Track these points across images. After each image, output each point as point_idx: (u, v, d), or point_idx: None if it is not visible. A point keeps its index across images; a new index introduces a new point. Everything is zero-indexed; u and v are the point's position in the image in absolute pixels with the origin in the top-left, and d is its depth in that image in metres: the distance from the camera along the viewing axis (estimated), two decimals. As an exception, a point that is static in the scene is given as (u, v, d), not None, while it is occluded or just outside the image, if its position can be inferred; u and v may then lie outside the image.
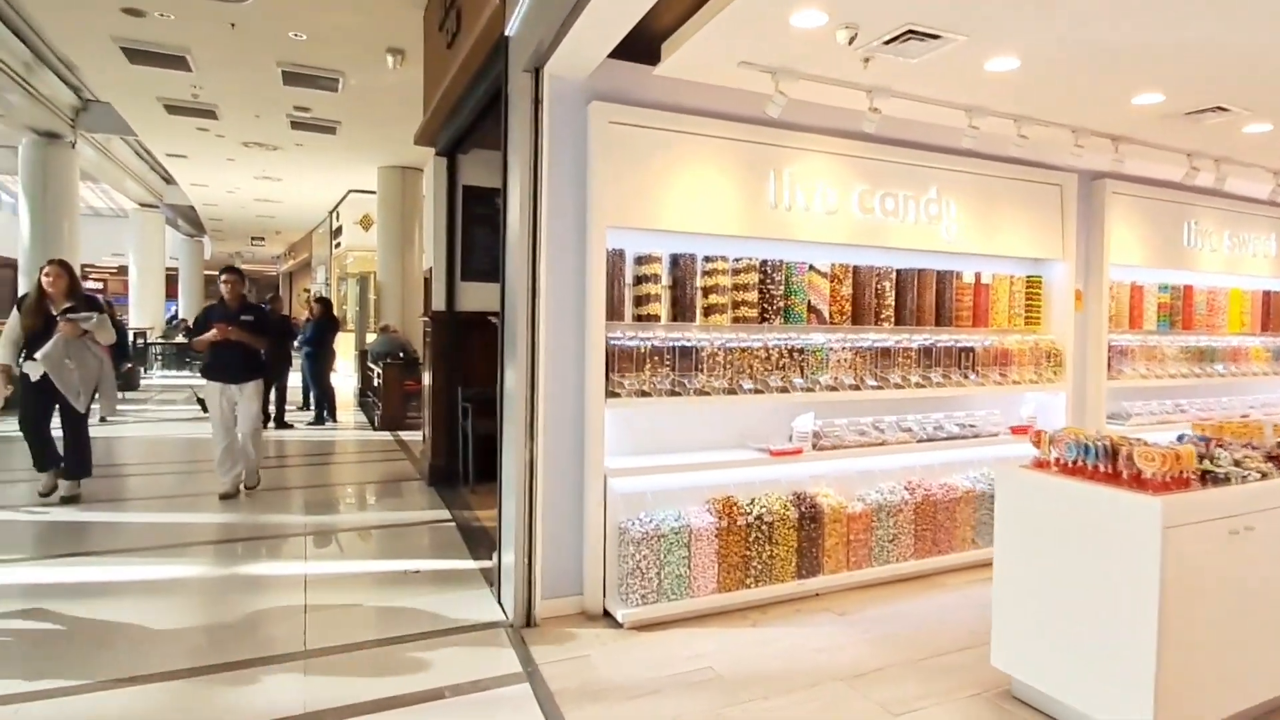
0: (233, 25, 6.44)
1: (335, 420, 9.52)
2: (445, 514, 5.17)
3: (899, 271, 4.31)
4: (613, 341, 3.40)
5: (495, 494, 3.64)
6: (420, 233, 12.14)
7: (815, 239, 3.98)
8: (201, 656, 2.97)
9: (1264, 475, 2.59)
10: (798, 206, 3.90)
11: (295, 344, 9.73)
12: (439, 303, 6.02)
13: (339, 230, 15.65)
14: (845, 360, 4.01)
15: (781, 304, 3.93)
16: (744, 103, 3.71)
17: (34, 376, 4.92)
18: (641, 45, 3.33)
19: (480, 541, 4.54)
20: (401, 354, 10.03)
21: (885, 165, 4.16)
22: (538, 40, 3.11)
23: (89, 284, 29.64)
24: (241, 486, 5.60)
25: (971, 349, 4.37)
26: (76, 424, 5.20)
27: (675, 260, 3.70)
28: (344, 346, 14.19)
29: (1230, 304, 5.68)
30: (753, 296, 3.82)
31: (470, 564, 4.14)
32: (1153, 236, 5.19)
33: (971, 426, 4.33)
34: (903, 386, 4.11)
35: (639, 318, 3.59)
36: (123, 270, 20.77)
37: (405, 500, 5.76)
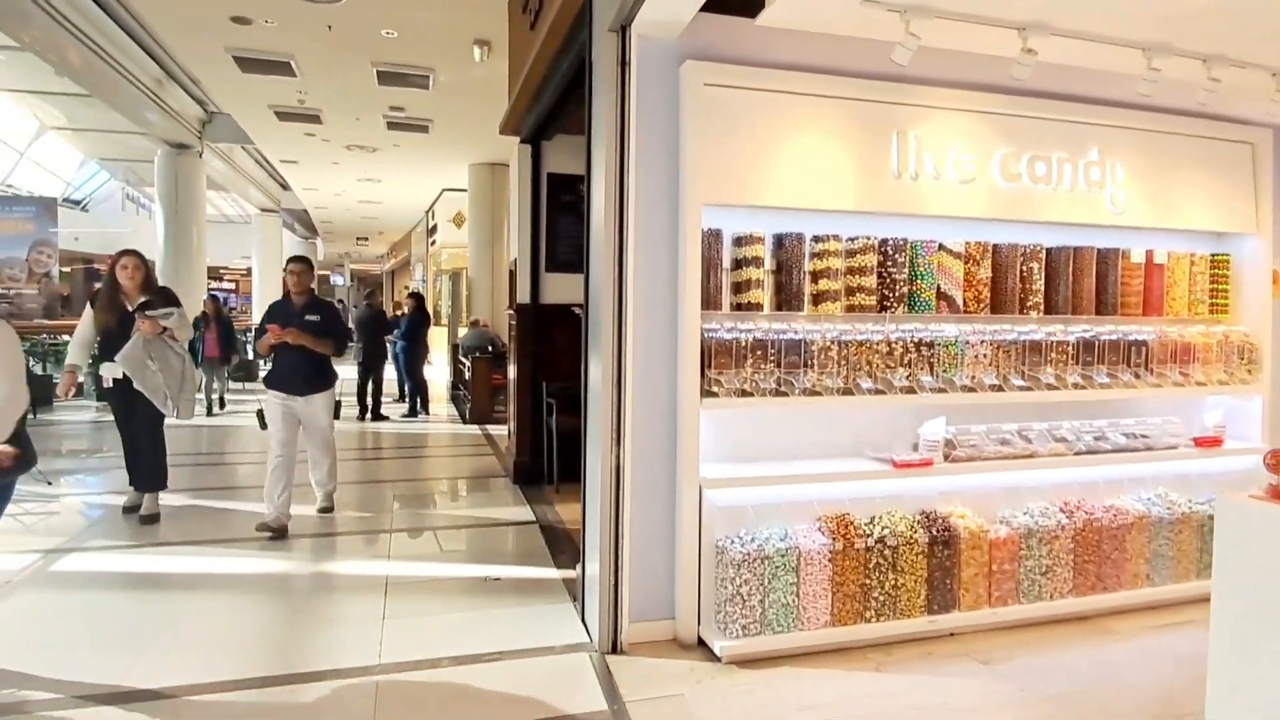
0: (329, 27, 6.49)
1: (428, 413, 9.58)
2: (529, 514, 4.91)
3: (1049, 250, 3.64)
4: (709, 334, 2.96)
5: (578, 494, 3.30)
6: (509, 228, 12.14)
7: (946, 213, 3.39)
8: (272, 663, 2.80)
9: None
10: (925, 175, 3.32)
11: (390, 338, 9.88)
12: (523, 295, 5.78)
13: (434, 228, 15.99)
14: (984, 356, 3.40)
15: (905, 290, 3.36)
16: (861, 54, 3.18)
17: (109, 380, 4.46)
18: (741, -8, 2.88)
19: (564, 547, 4.23)
20: (491, 347, 10.00)
21: (1034, 123, 3.51)
22: (623, -8, 2.72)
23: (223, 285, 32.16)
24: (319, 509, 4.86)
25: (1143, 343, 3.64)
26: (152, 428, 4.65)
27: (779, 241, 3.22)
28: (437, 340, 14.48)
29: None
30: (870, 281, 3.28)
31: (553, 573, 3.83)
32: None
33: (1143, 437, 3.60)
34: (1057, 387, 3.45)
35: (738, 307, 3.14)
36: (250, 272, 22.15)
37: (490, 498, 5.56)
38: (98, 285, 4.98)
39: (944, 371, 3.31)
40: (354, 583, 3.63)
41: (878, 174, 3.26)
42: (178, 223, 11.14)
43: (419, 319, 9.81)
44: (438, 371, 13.67)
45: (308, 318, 4.53)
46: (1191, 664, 2.64)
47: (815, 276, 3.23)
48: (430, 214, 16.37)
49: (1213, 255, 3.94)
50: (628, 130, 2.91)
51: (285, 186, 16.15)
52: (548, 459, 5.63)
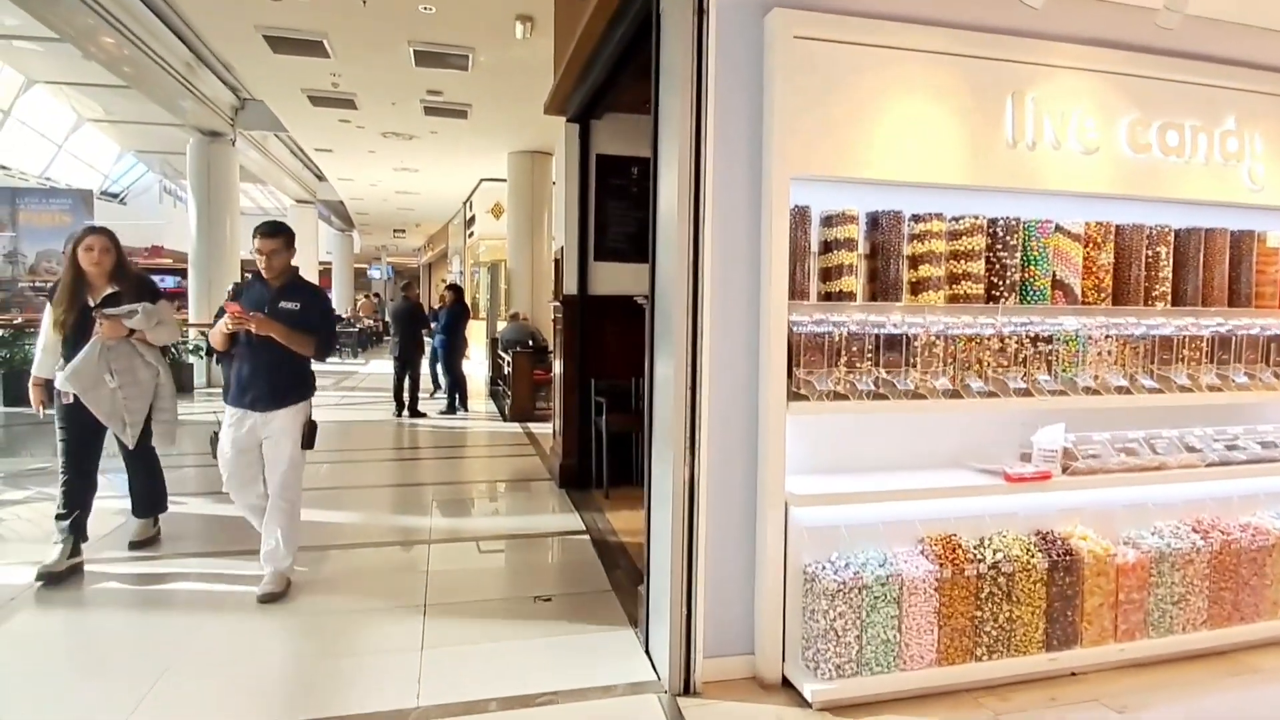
0: (364, 2, 6.20)
1: (466, 410, 9.32)
2: (577, 522, 4.57)
3: (1177, 233, 3.16)
4: (796, 327, 2.57)
5: (631, 501, 2.97)
6: (549, 218, 11.84)
7: (1067, 189, 2.94)
8: (296, 704, 2.48)
9: None
10: (1044, 144, 2.88)
11: (426, 331, 9.63)
12: (570, 286, 5.43)
13: (472, 219, 15.78)
14: (1109, 352, 2.95)
15: (1016, 276, 2.92)
16: (973, 3, 2.75)
17: (68, 395, 3.48)
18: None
19: (618, 561, 3.87)
20: (531, 342, 9.71)
21: (1166, 86, 3.03)
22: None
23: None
24: (260, 594, 3.31)
25: (1292, 338, 3.14)
26: (137, 457, 3.79)
27: (874, 221, 2.81)
28: (476, 334, 14.28)
29: None
30: (977, 267, 2.85)
31: (608, 591, 3.47)
32: None
33: (1289, 446, 3.11)
34: (1191, 389, 2.99)
35: (827, 296, 2.74)
36: (285, 264, 22.21)
37: (534, 504, 5.24)
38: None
39: (1063, 371, 2.87)
40: (390, 601, 3.30)
41: (989, 143, 2.82)
42: (210, 213, 11.01)
43: (458, 312, 9.54)
44: (476, 366, 13.47)
45: (283, 304, 3.35)
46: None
47: (914, 261, 2.81)
48: (468, 205, 16.17)
49: (1369, 237, 3.40)
50: (704, 92, 2.52)
51: (320, 177, 16.09)
52: (597, 462, 5.29)
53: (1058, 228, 2.97)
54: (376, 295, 23.86)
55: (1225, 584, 2.98)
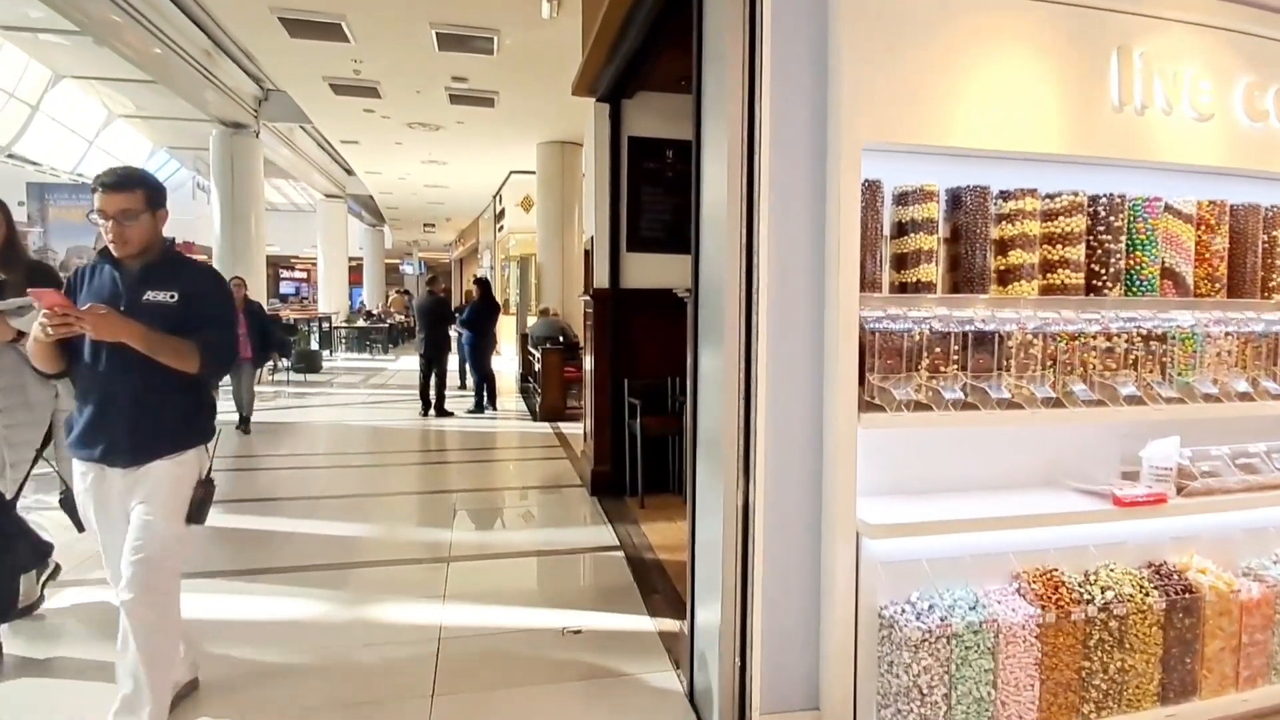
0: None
1: (495, 408, 9.06)
2: (610, 537, 4.23)
3: (1298, 212, 2.70)
4: (869, 325, 2.18)
5: (668, 510, 2.64)
6: (580, 210, 11.53)
7: (1179, 161, 2.50)
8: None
9: None
10: (1155, 108, 2.44)
11: (453, 328, 9.38)
12: (601, 279, 5.09)
13: (501, 213, 15.55)
14: (1228, 352, 2.51)
15: (1121, 264, 2.49)
16: (1076, -60, 2.32)
17: None
18: None
19: (655, 584, 3.53)
20: (561, 338, 9.41)
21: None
22: None
23: (294, 275, 32.74)
24: None
25: None
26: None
27: (956, 198, 2.40)
28: (505, 330, 14.05)
29: None
30: (1076, 253, 2.43)
31: (646, 622, 3.13)
32: None
33: None
34: (1331, 395, 2.53)
35: (901, 287, 2.35)
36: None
37: (564, 514, 4.92)
38: None
39: (1179, 374, 2.44)
40: (401, 635, 2.98)
41: (1091, 106, 2.39)
42: (235, 207, 10.89)
43: (485, 307, 9.26)
44: (506, 363, 13.24)
45: (150, 294, 2.18)
46: None
47: (1003, 245, 2.40)
48: (497, 198, 15.95)
49: None
50: (759, 49, 2.14)
51: (349, 171, 16.00)
52: (631, 468, 4.95)
53: (1167, 207, 2.54)
54: (407, 292, 23.84)
55: (1370, 624, 2.52)
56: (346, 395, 10.70)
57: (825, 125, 2.24)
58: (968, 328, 2.25)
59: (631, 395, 4.93)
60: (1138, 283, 2.51)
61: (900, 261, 2.36)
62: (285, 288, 31.19)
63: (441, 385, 8.65)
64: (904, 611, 2.15)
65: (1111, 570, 2.35)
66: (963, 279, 2.39)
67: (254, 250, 11.12)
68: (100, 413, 2.17)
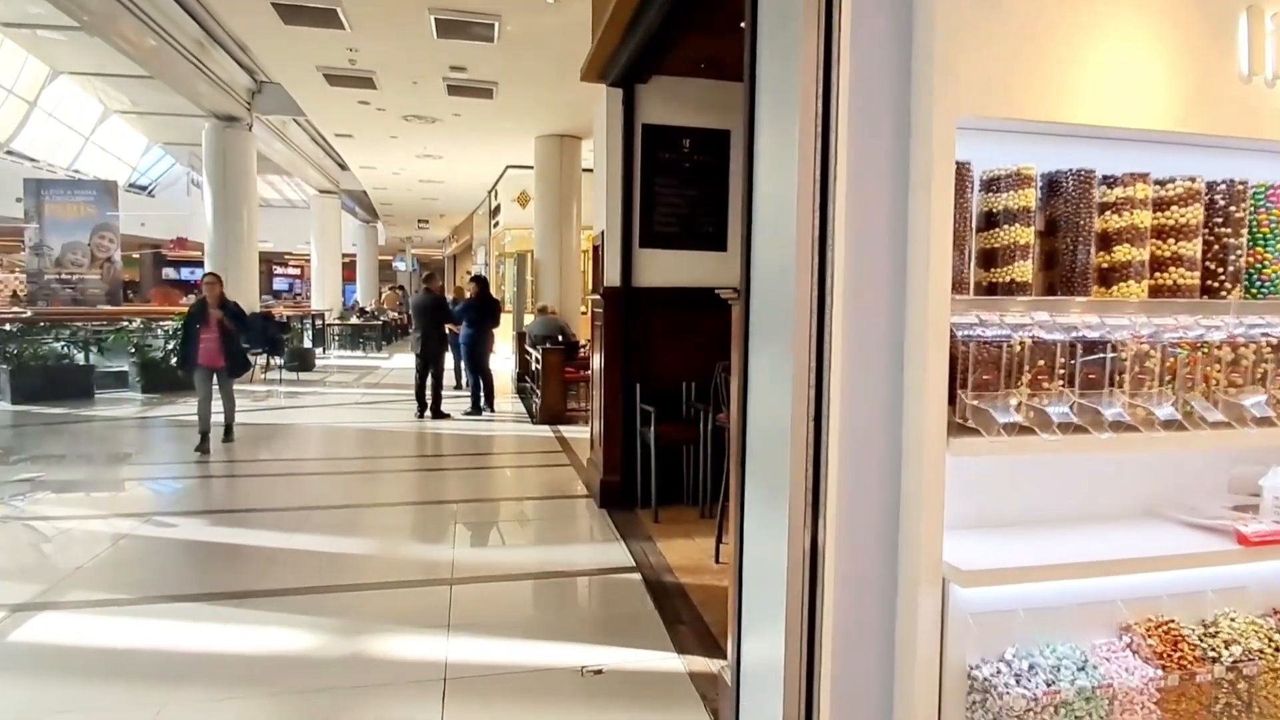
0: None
1: (492, 410, 8.69)
2: (624, 556, 3.88)
3: None
4: (961, 333, 1.83)
5: (685, 525, 2.35)
6: (579, 206, 11.17)
7: (1303, 140, 2.15)
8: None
9: None
10: (1283, 79, 2.09)
11: (451, 326, 8.99)
12: (611, 276, 4.73)
13: (497, 209, 15.18)
14: (1359, 364, 2.16)
15: (1240, 262, 2.15)
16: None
17: None
18: None
19: (679, 612, 3.18)
20: (560, 337, 9.05)
21: None
22: None
23: (288, 271, 32.20)
24: None
25: None
26: None
27: (1053, 184, 2.05)
28: (502, 329, 13.68)
29: None
30: (1192, 249, 2.08)
31: (673, 660, 2.78)
32: None
33: None
34: None
35: (990, 288, 1.99)
36: (313, 257, 21.83)
37: (573, 529, 4.57)
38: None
39: (1306, 390, 2.10)
40: (401, 672, 2.63)
41: (1212, 75, 2.03)
42: (227, 202, 10.48)
43: (483, 305, 8.87)
44: (502, 362, 12.87)
45: None
46: None
47: (1107, 239, 2.05)
48: (493, 194, 15.56)
49: None
50: (836, 14, 1.79)
51: (343, 166, 15.60)
52: (643, 479, 4.60)
53: (1290, 195, 2.19)
54: (401, 288, 23.45)
55: None
56: (339, 395, 10.32)
57: (909, 99, 1.88)
58: (1073, 335, 1.90)
59: (644, 401, 4.58)
60: (1259, 283, 2.16)
61: (988, 258, 2.00)
62: (279, 284, 30.72)
63: (438, 386, 8.28)
64: (1000, 673, 1.81)
65: (1233, 620, 2.01)
66: (1060, 279, 2.04)
67: (246, 246, 10.72)
68: None
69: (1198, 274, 2.10)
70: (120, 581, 3.42)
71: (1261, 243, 2.16)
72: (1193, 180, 2.06)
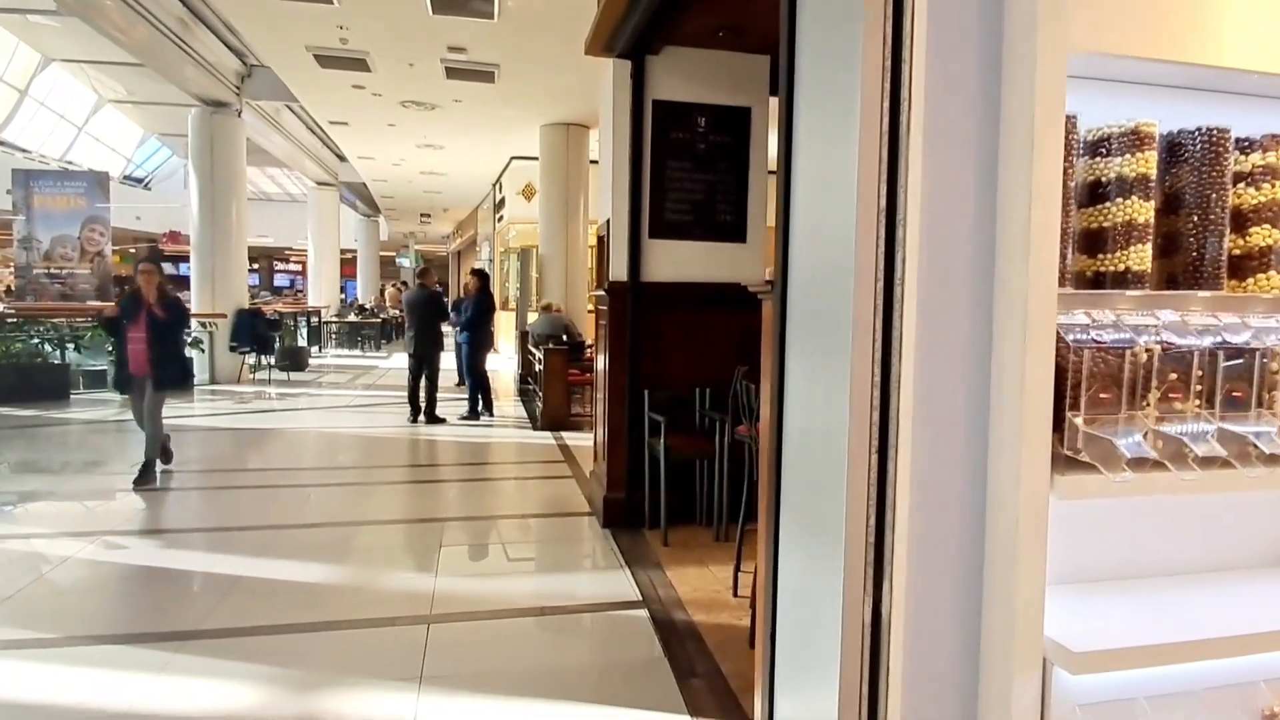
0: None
1: (491, 414, 8.28)
2: (630, 588, 3.45)
3: None
4: (1071, 337, 1.40)
5: (697, 550, 2.03)
6: (586, 199, 10.76)
7: None
8: None
9: None
10: None
11: (448, 325, 8.57)
12: (618, 270, 4.31)
13: (501, 202, 14.78)
14: None
15: (1394, 249, 1.71)
16: None
17: None
18: None
19: (693, 661, 2.75)
20: (565, 336, 8.62)
21: None
22: None
23: (289, 267, 31.87)
24: None
25: None
26: None
27: (1172, 147, 1.62)
28: (504, 327, 13.26)
29: None
30: (1340, 231, 1.65)
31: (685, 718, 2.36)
32: None
33: None
34: None
35: (1095, 279, 1.57)
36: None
37: (572, 553, 4.14)
38: None
39: None
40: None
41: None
42: (214, 192, 10.04)
43: (483, 303, 8.44)
44: (505, 362, 12.46)
45: None
46: None
47: (1243, 217, 1.62)
48: (497, 186, 15.16)
49: None
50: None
51: (341, 157, 15.22)
52: (651, 496, 4.18)
53: None
54: (404, 284, 23.07)
55: None
56: (331, 396, 9.93)
57: (1000, 36, 1.45)
58: (1209, 340, 1.47)
59: (653, 410, 4.16)
60: None
61: (1094, 241, 1.58)
62: (280, 280, 30.41)
63: (433, 388, 7.86)
64: (1122, 787, 1.38)
65: (1401, 705, 1.58)
66: (1182, 269, 1.61)
67: (235, 239, 10.28)
68: None
69: (1349, 264, 1.67)
70: (45, 618, 3.00)
71: None
72: (1350, 144, 1.63)
